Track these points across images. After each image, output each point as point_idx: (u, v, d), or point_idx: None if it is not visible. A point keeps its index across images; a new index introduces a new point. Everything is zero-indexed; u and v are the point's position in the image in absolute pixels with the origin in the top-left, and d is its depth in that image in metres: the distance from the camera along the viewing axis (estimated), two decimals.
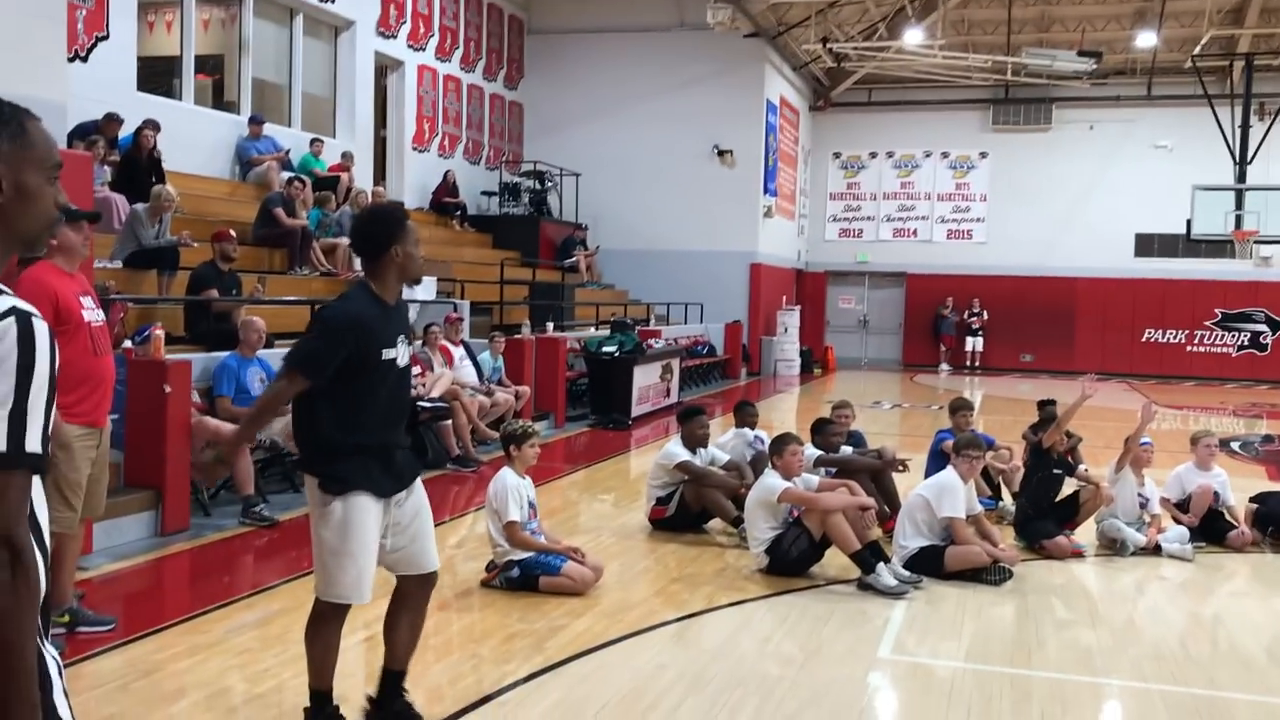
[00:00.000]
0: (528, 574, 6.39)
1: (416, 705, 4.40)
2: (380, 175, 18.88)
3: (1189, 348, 26.70)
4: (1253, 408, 20.33)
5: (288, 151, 15.22)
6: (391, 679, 4.27)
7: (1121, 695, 5.11)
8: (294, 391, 3.94)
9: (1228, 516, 8.35)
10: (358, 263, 13.80)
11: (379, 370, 3.92)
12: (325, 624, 4.08)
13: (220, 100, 15.94)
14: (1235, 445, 13.67)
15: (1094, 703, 5.00)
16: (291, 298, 11.65)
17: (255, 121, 15.05)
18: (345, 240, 13.78)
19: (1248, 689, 5.22)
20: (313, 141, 15.89)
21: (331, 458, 3.90)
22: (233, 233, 10.13)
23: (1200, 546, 8.09)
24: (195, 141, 14.18)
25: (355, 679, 4.84)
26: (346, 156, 16.08)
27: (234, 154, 15.07)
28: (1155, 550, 7.83)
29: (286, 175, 14.34)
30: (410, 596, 4.22)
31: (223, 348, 8.95)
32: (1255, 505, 8.45)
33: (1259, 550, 8.17)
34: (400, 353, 3.99)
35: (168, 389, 7.56)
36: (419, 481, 4.21)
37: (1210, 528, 8.26)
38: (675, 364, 17.24)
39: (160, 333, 7.93)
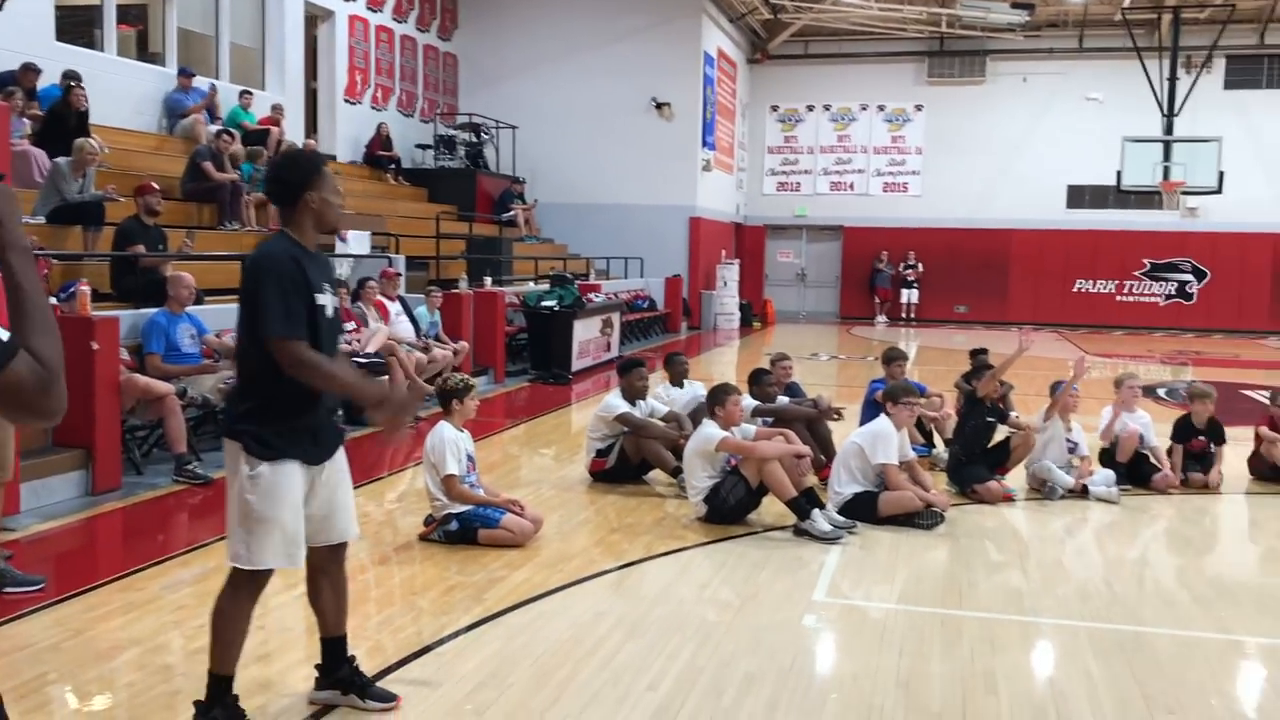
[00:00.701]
0: (466, 527, 6.39)
1: (363, 667, 4.40)
2: (312, 128, 18.54)
3: (1118, 297, 27.24)
4: (1179, 355, 20.83)
5: (214, 89, 14.76)
6: (332, 646, 4.15)
7: (1048, 633, 5.25)
8: (307, 355, 3.65)
9: (1152, 459, 8.57)
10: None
11: (314, 319, 3.73)
12: (241, 600, 3.84)
13: (145, 52, 15.52)
14: (1161, 392, 14.00)
15: (1022, 641, 5.13)
16: (222, 253, 11.43)
17: (184, 74, 14.68)
18: None
19: (1169, 625, 5.40)
20: (242, 94, 15.54)
21: (265, 421, 3.73)
22: (156, 185, 9.90)
23: (1126, 489, 8.32)
24: (119, 94, 13.81)
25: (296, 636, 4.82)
26: (276, 109, 15.77)
27: (162, 107, 14.70)
28: (1084, 493, 8.03)
29: (215, 128, 14.02)
30: (324, 566, 4.06)
31: (151, 304, 8.79)
32: (1179, 444, 8.70)
33: (1182, 492, 8.41)
34: (329, 301, 3.81)
35: (95, 346, 7.41)
36: (341, 450, 4.04)
37: (1136, 471, 8.48)
38: (615, 318, 17.23)
39: (86, 289, 7.76)
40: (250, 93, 15.66)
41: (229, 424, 3.88)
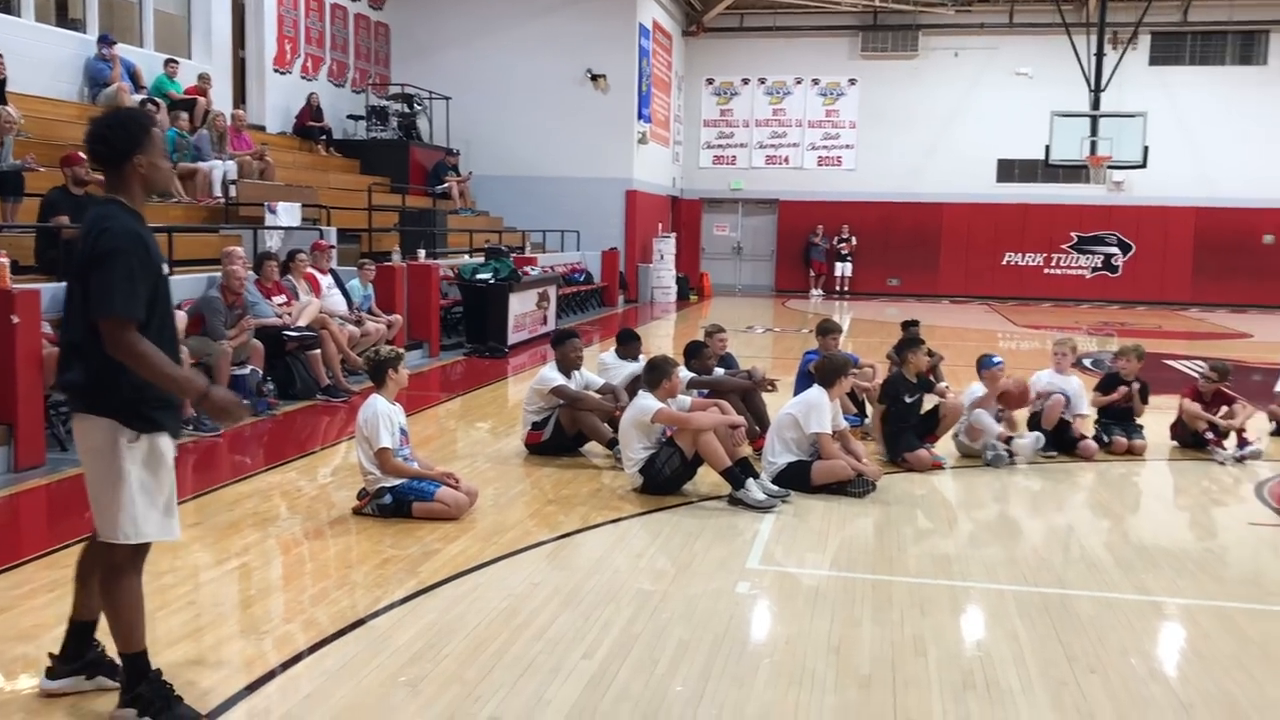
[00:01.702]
0: (401, 501, 6.36)
1: (297, 641, 4.37)
2: (240, 98, 18.16)
3: (1046, 270, 27.74)
4: (1104, 326, 21.30)
5: (109, 40, 14.24)
6: (82, 630, 3.94)
7: (976, 596, 5.37)
8: (139, 340, 3.51)
9: (1078, 426, 8.75)
10: (217, 188, 13.26)
11: (163, 289, 3.67)
12: (127, 575, 3.72)
13: (65, 18, 15.07)
14: (1087, 362, 14.30)
15: (950, 604, 5.23)
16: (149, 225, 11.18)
17: (105, 42, 14.28)
18: (203, 165, 13.31)
19: (1091, 587, 5.53)
20: (167, 62, 15.18)
21: (139, 395, 3.59)
22: (83, 155, 9.64)
23: (1051, 456, 8.51)
24: (39, 61, 13.42)
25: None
26: (203, 78, 15.42)
27: (83, 75, 14.30)
28: (1013, 459, 8.23)
29: (139, 98, 13.69)
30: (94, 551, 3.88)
31: None
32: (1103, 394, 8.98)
33: (1106, 458, 8.62)
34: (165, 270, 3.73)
35: (15, 320, 7.23)
36: None
37: (1062, 437, 8.67)
38: (552, 291, 17.18)
39: (5, 261, 7.56)
40: (176, 61, 15.29)
41: (85, 400, 3.64)
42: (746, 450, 7.70)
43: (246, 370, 9.44)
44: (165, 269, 3.72)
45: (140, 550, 3.76)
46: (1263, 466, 8.52)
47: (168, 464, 3.73)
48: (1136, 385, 9.06)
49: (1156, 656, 4.70)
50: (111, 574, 3.72)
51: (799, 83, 28.28)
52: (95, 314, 3.50)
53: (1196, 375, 9.62)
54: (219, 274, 9.80)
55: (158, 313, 3.63)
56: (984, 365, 8.56)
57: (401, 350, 6.79)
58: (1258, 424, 9.51)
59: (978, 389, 8.48)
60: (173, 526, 3.77)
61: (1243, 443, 8.77)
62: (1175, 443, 9.16)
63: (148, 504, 3.66)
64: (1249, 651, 4.66)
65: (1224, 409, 9.04)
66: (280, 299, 10.69)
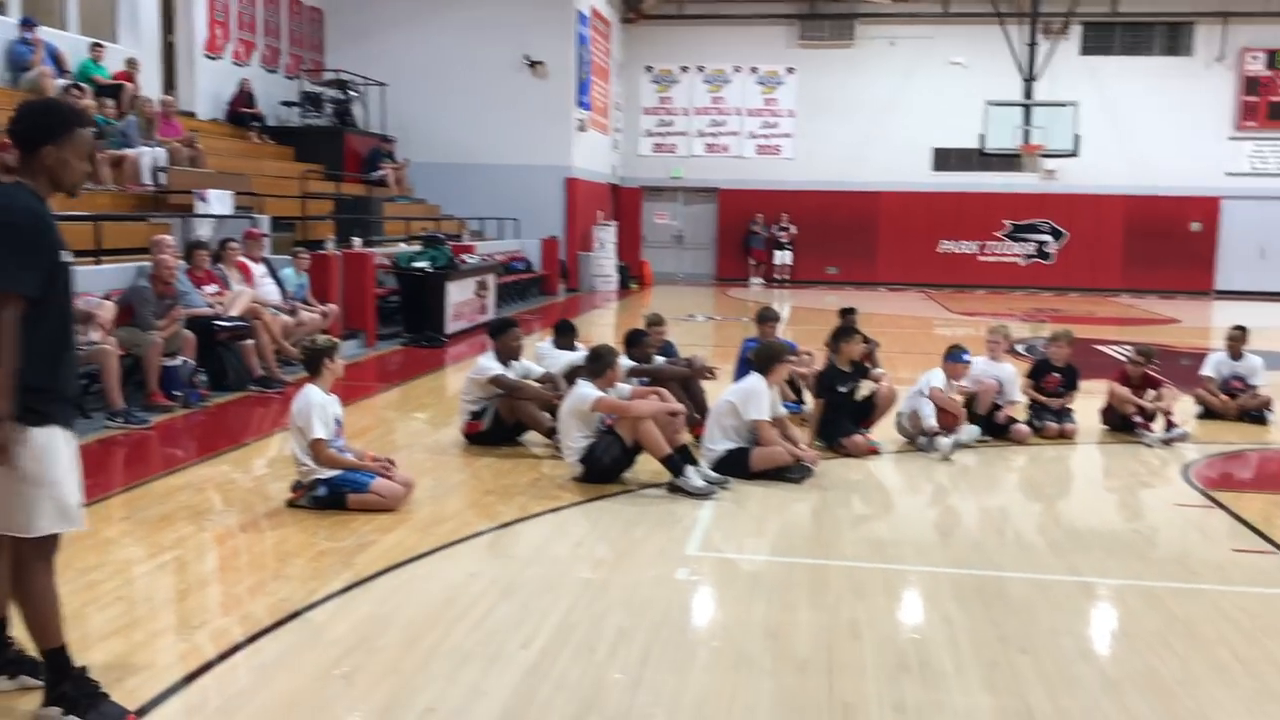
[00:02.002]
0: (336, 492, 6.29)
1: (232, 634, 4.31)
2: (170, 84, 17.79)
3: (981, 258, 28.12)
4: (1038, 313, 21.64)
5: (31, 23, 13.87)
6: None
7: (910, 579, 5.43)
8: (12, 319, 3.39)
9: (1008, 412, 8.89)
10: (146, 175, 12.98)
11: (62, 276, 3.57)
12: (34, 569, 3.61)
13: None
14: (1020, 348, 14.52)
15: (885, 587, 5.29)
16: (74, 213, 10.92)
17: (27, 25, 13.89)
18: (131, 152, 13.03)
19: (1024, 569, 5.63)
20: (92, 46, 14.81)
21: (28, 387, 3.45)
22: (8, 140, 9.37)
23: (985, 440, 8.64)
24: None
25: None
26: (130, 63, 15.07)
27: (4, 59, 13.90)
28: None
29: (63, 83, 13.35)
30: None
31: None
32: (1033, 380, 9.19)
33: (1038, 442, 8.76)
34: (69, 259, 3.59)
35: None
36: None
37: (994, 423, 8.80)
38: (491, 280, 17.06)
39: None
40: (102, 45, 14.92)
41: None
42: (686, 438, 7.71)
43: (178, 361, 9.27)
44: (68, 256, 3.61)
45: (46, 543, 3.63)
46: (1189, 449, 8.72)
47: (63, 459, 3.59)
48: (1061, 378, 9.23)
49: (1086, 636, 4.80)
50: (18, 569, 3.63)
51: (738, 71, 28.35)
52: None
53: (1124, 359, 9.82)
54: (148, 263, 9.60)
55: (56, 300, 3.55)
56: (951, 358, 8.63)
57: (337, 340, 6.71)
58: (1184, 407, 9.72)
59: (936, 376, 8.53)
60: (73, 517, 3.63)
61: (1170, 425, 8.97)
62: (1105, 427, 9.34)
63: (43, 496, 3.54)
64: (1174, 629, 4.77)
65: (1151, 393, 9.24)
66: (212, 289, 10.50)
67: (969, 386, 8.83)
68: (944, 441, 8.23)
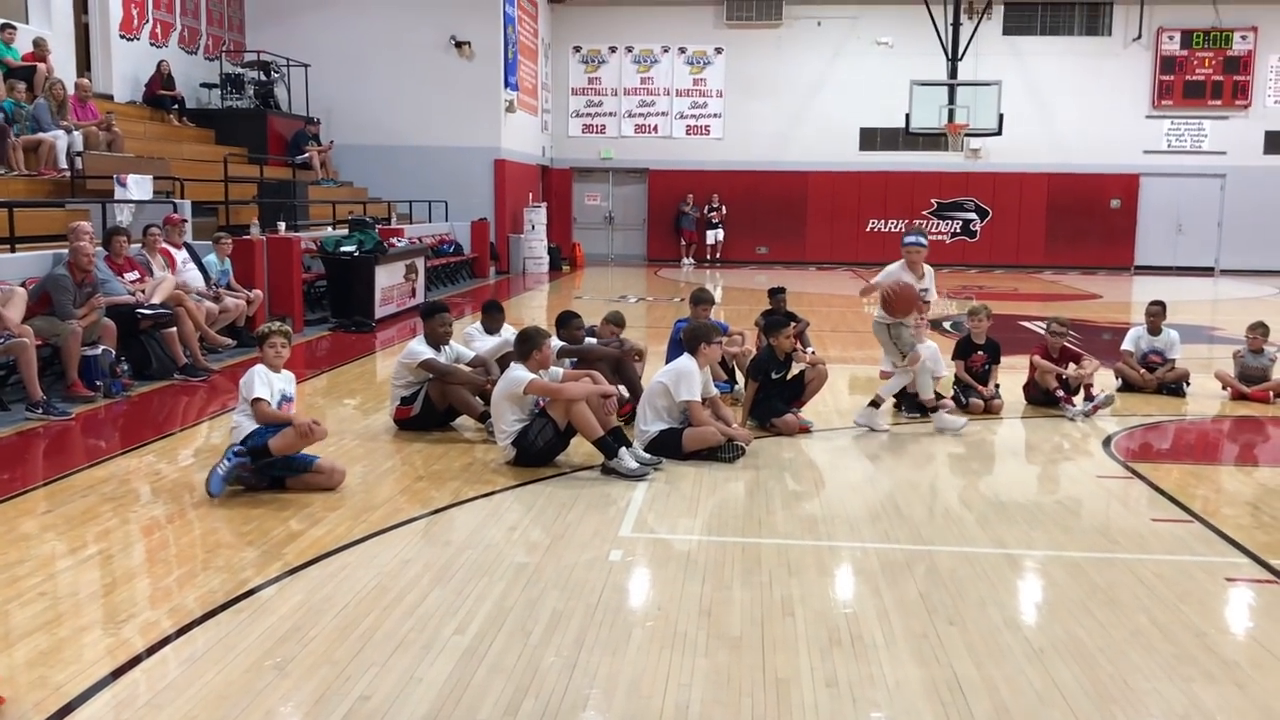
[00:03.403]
0: (276, 472, 6.27)
1: (161, 626, 4.23)
2: (85, 65, 17.32)
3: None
4: (964, 289, 21.99)
5: None
6: None
7: (841, 555, 5.51)
8: None
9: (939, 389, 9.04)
10: (62, 160, 12.64)
11: None
12: None
13: None
14: (947, 325, 14.75)
15: (817, 563, 5.36)
16: None
17: None
18: (47, 136, 12.68)
19: (951, 542, 5.74)
20: (3, 27, 14.35)
21: None
22: None
23: (915, 417, 8.79)
24: None
25: None
26: (39, 44, 14.63)
27: None
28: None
29: None
30: None
31: None
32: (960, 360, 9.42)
33: (968, 417, 8.92)
34: None
35: None
36: None
37: (916, 400, 8.94)
38: (420, 263, 16.91)
39: None
40: (13, 26, 14.47)
41: None
42: (617, 419, 7.72)
43: (98, 350, 9.05)
44: None
45: None
46: (1109, 422, 8.94)
47: None
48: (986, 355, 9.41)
49: (1012, 606, 4.90)
50: None
51: (666, 51, 28.35)
52: None
53: (1043, 333, 10.03)
54: (66, 251, 9.36)
55: None
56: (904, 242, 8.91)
57: (277, 326, 6.65)
58: (1105, 380, 9.96)
59: (894, 268, 8.69)
60: None
61: (1090, 397, 9.19)
62: (1027, 402, 9.53)
63: None
64: (1096, 598, 4.90)
65: (1071, 365, 9.46)
66: (133, 275, 10.27)
67: (889, 370, 9.03)
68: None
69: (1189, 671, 4.14)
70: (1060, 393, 9.26)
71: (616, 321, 9.09)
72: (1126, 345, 10.50)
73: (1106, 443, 8.24)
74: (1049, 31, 27.52)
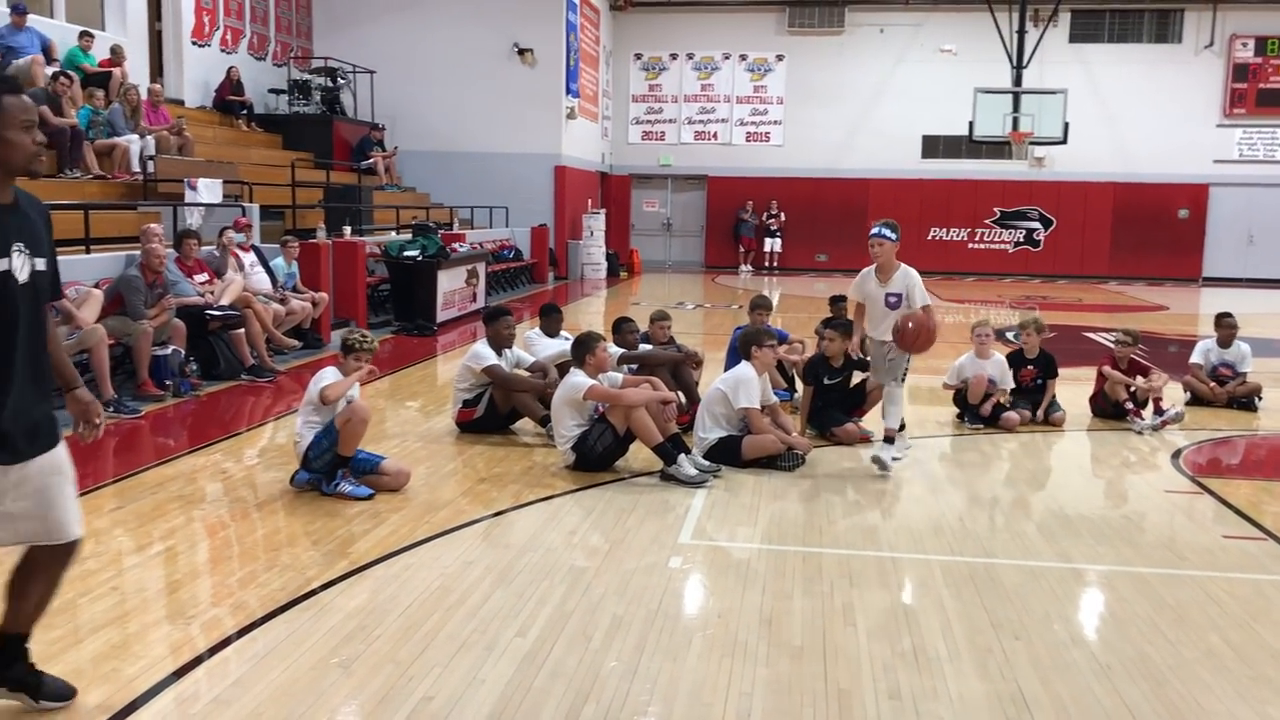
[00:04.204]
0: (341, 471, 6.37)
1: (226, 625, 4.30)
2: (157, 71, 17.70)
3: (970, 245, 28.19)
4: (1026, 300, 21.71)
5: (21, 10, 13.78)
6: (15, 643, 3.63)
7: (903, 566, 5.46)
8: None
9: (1003, 400, 8.93)
10: (135, 164, 12.92)
11: None
12: None
13: None
14: (1010, 335, 14.56)
15: (879, 574, 5.32)
16: (63, 202, 10.88)
17: (17, 11, 13.79)
18: (121, 140, 12.97)
19: (1015, 555, 5.66)
20: (81, 35, 14.72)
21: None
22: None
23: (978, 428, 8.69)
24: None
25: None
26: (117, 51, 14.99)
27: None
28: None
29: (51, 71, 13.27)
30: (41, 565, 3.57)
31: None
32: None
33: (1029, 429, 8.81)
34: (17, 264, 3.20)
35: None
36: (58, 446, 3.53)
37: (982, 414, 8.85)
38: (481, 268, 17.05)
39: None
40: (91, 34, 14.84)
41: None
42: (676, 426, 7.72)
43: (168, 350, 9.25)
44: (6, 263, 3.22)
45: None
46: (1178, 436, 8.77)
47: None
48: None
49: (1077, 622, 4.83)
50: None
51: (727, 58, 28.33)
52: None
53: (1110, 345, 9.86)
54: (138, 252, 9.57)
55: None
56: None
57: (368, 344, 6.71)
58: (1173, 394, 9.77)
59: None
60: None
61: (1159, 410, 9.02)
62: (1094, 415, 9.38)
63: None
64: (1164, 615, 4.81)
65: (1139, 378, 9.29)
66: (202, 277, 10.47)
67: (953, 383, 8.97)
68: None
69: (1264, 693, 4.04)
70: (1129, 405, 9.10)
71: (663, 317, 9.13)
72: (1195, 358, 10.30)
73: (1175, 457, 8.09)
74: (1117, 39, 27.09)
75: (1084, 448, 8.67)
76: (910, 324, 7.10)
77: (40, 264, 3.29)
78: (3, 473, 3.32)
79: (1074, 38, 27.01)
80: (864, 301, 7.56)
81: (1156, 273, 27.05)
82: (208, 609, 4.67)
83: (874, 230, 7.50)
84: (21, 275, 3.19)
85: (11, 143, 3.19)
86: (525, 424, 8.26)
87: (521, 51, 23.01)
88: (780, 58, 28.14)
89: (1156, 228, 27.21)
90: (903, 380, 7.48)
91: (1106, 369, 9.35)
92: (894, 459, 7.36)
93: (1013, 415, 8.82)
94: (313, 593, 4.83)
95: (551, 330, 9.02)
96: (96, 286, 9.21)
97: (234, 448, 7.81)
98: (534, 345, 8.88)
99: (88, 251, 9.99)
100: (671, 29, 28.24)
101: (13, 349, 3.23)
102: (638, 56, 28.65)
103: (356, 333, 6.85)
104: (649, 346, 8.86)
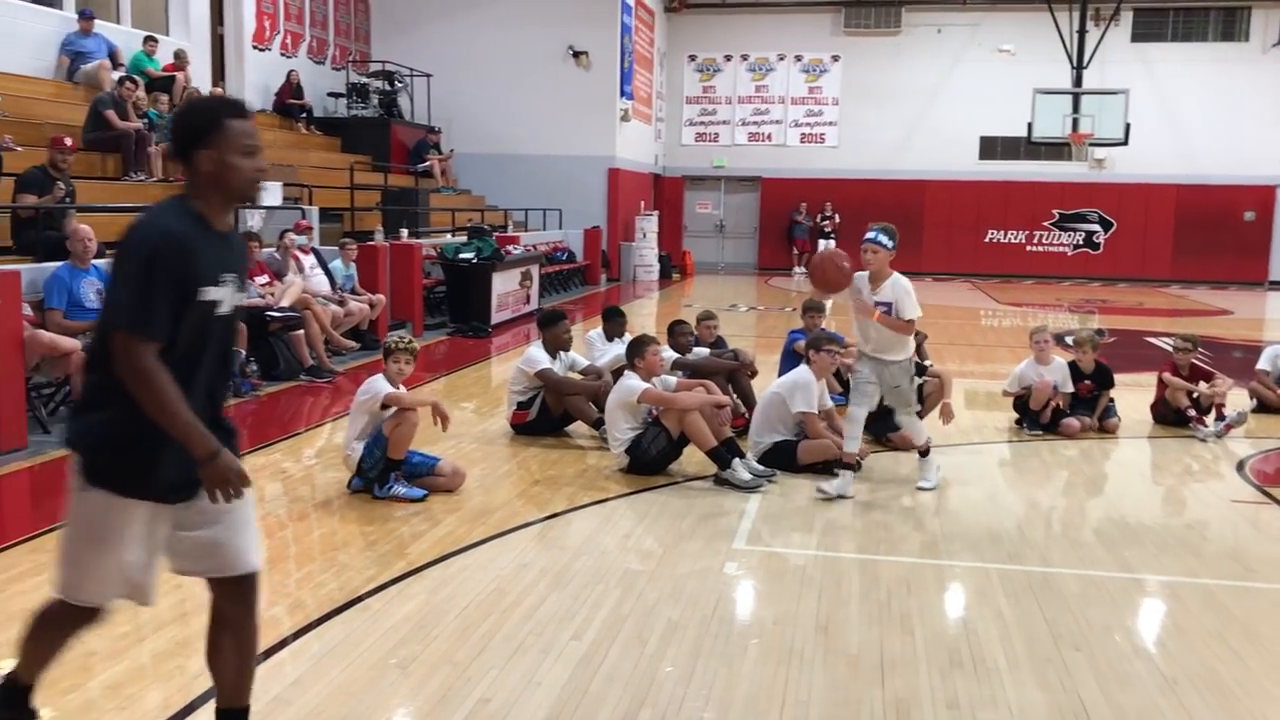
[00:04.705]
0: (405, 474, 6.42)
1: (283, 625, 4.35)
2: (219, 75, 18.00)
3: (1028, 247, 27.82)
4: (1086, 303, 21.39)
5: (88, 16, 14.06)
6: (229, 718, 3.32)
7: (961, 574, 5.40)
8: (150, 364, 2.88)
9: (1062, 405, 8.81)
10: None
11: (194, 314, 2.96)
12: (60, 627, 3.25)
13: None
14: (1069, 340, 14.35)
15: (936, 582, 5.27)
16: (127, 205, 11.10)
17: (84, 17, 14.11)
18: None
19: (1075, 565, 5.58)
20: (146, 40, 15.01)
21: (112, 439, 2.98)
22: (68, 141, 9.48)
23: (1038, 434, 8.57)
24: (14, 38, 13.25)
25: None
26: (180, 55, 15.26)
27: (61, 53, 14.12)
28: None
29: (117, 75, 13.55)
30: (226, 609, 3.24)
31: (54, 258, 8.51)
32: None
33: (1088, 437, 8.67)
34: (225, 295, 3.05)
35: None
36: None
37: (1041, 421, 8.73)
38: (535, 270, 17.14)
39: None
40: (155, 39, 15.13)
41: (71, 427, 3.12)
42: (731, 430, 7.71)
43: None
44: (216, 292, 3.03)
45: (83, 610, 3.20)
46: (1243, 444, 8.59)
47: (128, 530, 3.03)
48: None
49: (1140, 633, 4.75)
50: (47, 619, 3.29)
51: (782, 59, 28.21)
52: (108, 321, 2.95)
53: (1170, 349, 9.68)
54: None
55: (184, 339, 2.96)
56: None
57: (406, 344, 6.73)
58: (1238, 400, 9.58)
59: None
60: (136, 593, 3.13)
61: (1222, 417, 8.84)
62: (1155, 422, 9.21)
63: (88, 559, 3.09)
64: (1231, 628, 4.71)
65: (1202, 384, 9.11)
66: (262, 279, 10.62)
67: (1013, 390, 8.87)
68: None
69: None
70: (1191, 412, 8.93)
71: (710, 316, 9.12)
72: (1263, 364, 10.08)
73: (1240, 466, 7.92)
74: (1181, 38, 26.59)
75: (1145, 455, 8.52)
76: (816, 259, 7.10)
77: (240, 298, 3.19)
78: (184, 506, 3.10)
79: (1136, 37, 26.55)
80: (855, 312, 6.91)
81: (1221, 276, 26.51)
82: (266, 608, 4.73)
83: (869, 235, 6.93)
84: (226, 307, 3.08)
85: (234, 167, 3.04)
86: (579, 426, 8.28)
87: (577, 54, 23.09)
88: (835, 58, 27.97)
89: (1221, 230, 26.66)
90: (919, 405, 7.20)
91: (1167, 375, 9.19)
92: (922, 487, 6.95)
93: (1073, 421, 8.70)
94: (370, 593, 4.88)
95: (613, 333, 9.05)
96: None
97: (293, 447, 7.92)
98: (594, 348, 8.91)
99: None
100: (726, 30, 28.17)
101: (195, 379, 3.02)
102: (692, 58, 28.62)
103: (393, 337, 6.89)
104: (703, 350, 8.85)
